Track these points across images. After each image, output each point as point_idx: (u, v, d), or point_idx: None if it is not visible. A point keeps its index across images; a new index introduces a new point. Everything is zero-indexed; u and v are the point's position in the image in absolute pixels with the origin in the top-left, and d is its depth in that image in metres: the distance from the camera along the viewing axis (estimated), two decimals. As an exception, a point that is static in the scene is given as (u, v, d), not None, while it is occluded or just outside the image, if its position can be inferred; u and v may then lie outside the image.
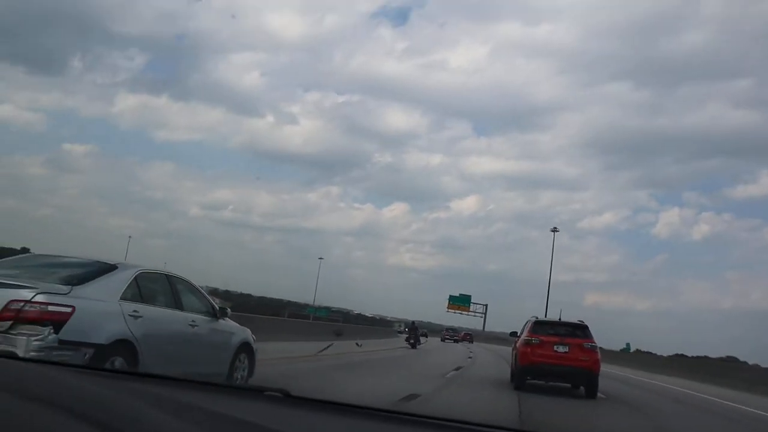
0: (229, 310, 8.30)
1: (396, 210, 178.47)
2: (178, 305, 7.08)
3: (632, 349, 60.10)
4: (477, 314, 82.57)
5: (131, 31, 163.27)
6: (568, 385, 14.27)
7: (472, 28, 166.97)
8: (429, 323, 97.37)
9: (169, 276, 7.21)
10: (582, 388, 13.61)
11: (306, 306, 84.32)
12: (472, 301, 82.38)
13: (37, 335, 5.06)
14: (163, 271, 7.25)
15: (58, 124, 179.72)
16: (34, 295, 5.18)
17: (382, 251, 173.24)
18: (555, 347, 13.47)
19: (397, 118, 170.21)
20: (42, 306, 5.16)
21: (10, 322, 5.05)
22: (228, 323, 8.20)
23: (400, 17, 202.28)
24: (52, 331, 5.12)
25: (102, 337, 5.55)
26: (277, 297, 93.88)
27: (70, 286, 5.53)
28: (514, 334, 15.28)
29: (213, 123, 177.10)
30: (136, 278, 6.39)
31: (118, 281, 6.11)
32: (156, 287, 6.82)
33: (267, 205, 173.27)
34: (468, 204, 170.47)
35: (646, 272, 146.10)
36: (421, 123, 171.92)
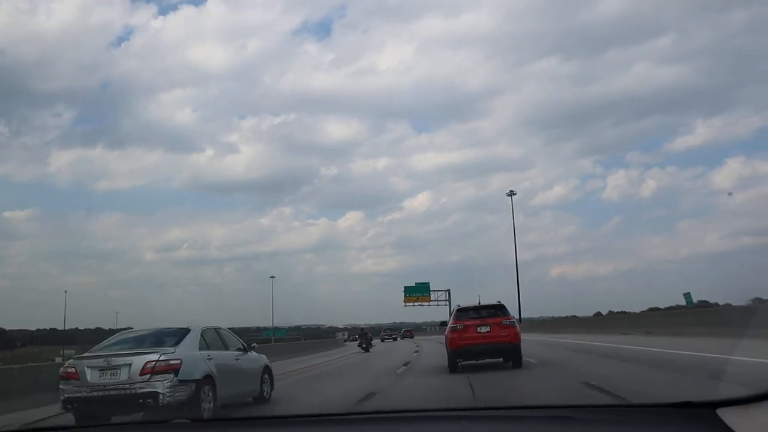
0: (255, 345, 11.53)
1: (350, 219, 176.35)
2: (226, 346, 10.28)
3: (606, 312, 59.99)
4: (440, 303, 71.88)
5: (54, 88, 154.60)
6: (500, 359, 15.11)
7: (395, 29, 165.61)
8: (394, 324, 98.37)
9: (216, 328, 10.43)
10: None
11: (266, 329, 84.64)
12: (432, 288, 72.80)
13: (167, 380, 8.19)
14: (213, 326, 10.44)
15: None
16: (159, 356, 8.30)
17: (345, 261, 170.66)
18: (478, 329, 14.62)
19: (337, 129, 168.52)
20: (165, 362, 8.29)
21: (149, 375, 8.15)
22: (253, 354, 11.41)
23: (322, 30, 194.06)
24: (174, 376, 8.25)
25: (198, 375, 8.71)
26: (246, 325, 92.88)
27: (174, 347, 8.66)
28: (444, 323, 16.46)
29: (153, 165, 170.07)
30: (201, 334, 9.56)
31: (194, 338, 9.27)
32: (212, 337, 9.98)
33: (221, 236, 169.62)
34: (420, 201, 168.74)
35: (604, 237, 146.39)
36: (360, 130, 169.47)
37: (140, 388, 8.07)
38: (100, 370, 8.23)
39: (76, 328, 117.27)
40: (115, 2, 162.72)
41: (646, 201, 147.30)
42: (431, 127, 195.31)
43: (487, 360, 15.10)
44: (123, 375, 8.15)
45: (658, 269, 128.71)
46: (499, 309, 15.29)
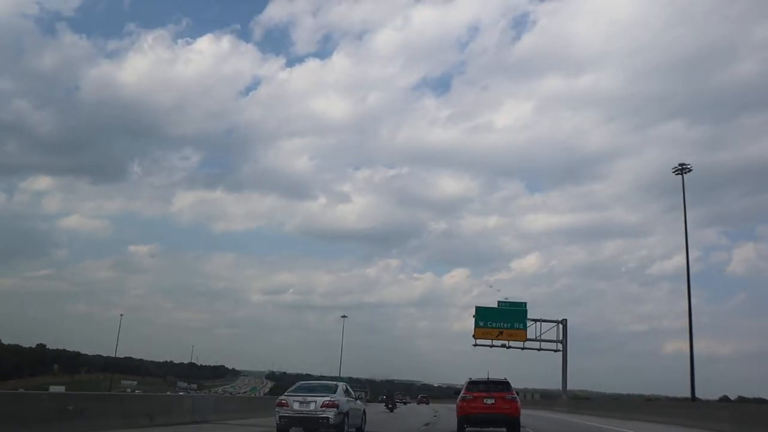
0: (362, 395, 18.65)
1: (456, 276, 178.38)
2: (350, 395, 17.36)
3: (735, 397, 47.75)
4: (547, 345, 41.88)
5: (184, 132, 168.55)
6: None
7: (514, 87, 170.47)
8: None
9: (346, 383, 17.61)
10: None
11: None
12: (530, 316, 41.73)
13: (333, 411, 15.25)
14: (344, 383, 17.61)
15: (123, 228, 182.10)
16: (330, 398, 15.41)
17: (447, 319, 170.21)
18: (484, 400, 16.30)
19: (449, 185, 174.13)
20: (332, 401, 15.37)
21: (325, 408, 15.23)
22: (359, 401, 18.46)
23: (441, 86, 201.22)
24: (336, 410, 15.33)
25: (344, 410, 15.77)
26: (331, 374, 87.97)
27: (334, 393, 15.77)
28: (457, 392, 18.40)
29: (268, 209, 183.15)
30: (342, 387, 16.70)
31: (341, 388, 16.40)
32: (346, 388, 17.07)
33: (327, 284, 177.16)
34: (529, 262, 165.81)
35: (726, 313, 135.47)
36: (472, 187, 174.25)
37: (320, 414, 15.16)
38: (299, 402, 15.36)
39: (171, 361, 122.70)
40: (247, 54, 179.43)
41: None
42: (545, 187, 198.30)
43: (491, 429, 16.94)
44: (311, 406, 15.27)
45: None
46: (503, 384, 17.04)
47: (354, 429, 17.53)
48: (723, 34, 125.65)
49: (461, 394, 17.16)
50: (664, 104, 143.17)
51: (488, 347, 41.26)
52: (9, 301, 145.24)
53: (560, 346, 41.04)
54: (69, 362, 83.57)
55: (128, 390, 71.06)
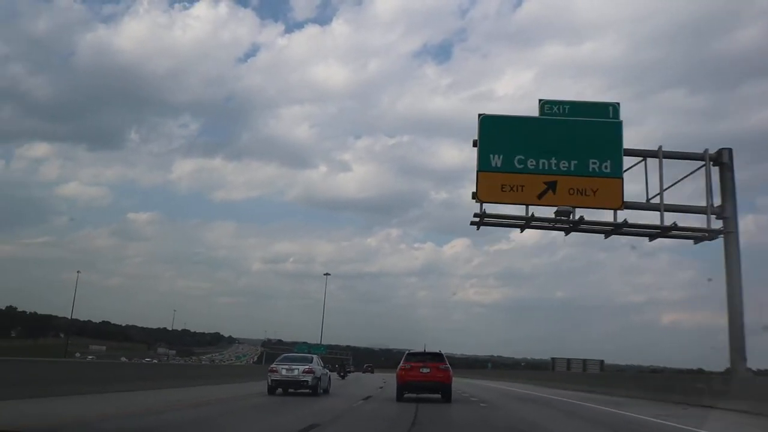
0: (328, 366, 24.10)
1: (457, 246, 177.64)
2: (320, 365, 22.78)
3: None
4: (679, 218, 20.23)
5: (182, 100, 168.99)
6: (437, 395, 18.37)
7: (515, 56, 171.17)
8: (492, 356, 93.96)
9: (318, 354, 23.09)
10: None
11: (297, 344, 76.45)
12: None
13: (310, 376, 20.67)
14: (318, 354, 23.06)
15: (121, 196, 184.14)
16: (307, 366, 20.83)
17: (447, 288, 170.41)
18: (421, 369, 18.00)
19: (450, 154, 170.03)
20: (309, 368, 20.81)
21: (305, 373, 20.60)
22: (326, 369, 23.91)
23: (442, 53, 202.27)
24: (313, 374, 20.72)
25: (318, 375, 21.27)
26: (328, 342, 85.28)
27: (311, 363, 21.19)
28: (397, 363, 19.94)
29: (268, 178, 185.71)
30: (317, 358, 22.13)
31: (317, 359, 21.97)
32: (319, 359, 22.48)
33: (328, 253, 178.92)
34: (530, 233, 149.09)
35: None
36: (474, 156, 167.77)
37: (302, 378, 20.52)
38: (286, 369, 20.67)
39: (164, 328, 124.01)
40: (245, 19, 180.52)
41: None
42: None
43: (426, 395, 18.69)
44: (295, 372, 20.61)
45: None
46: (437, 356, 19.21)
47: (323, 390, 23.02)
48: (724, 2, 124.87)
49: (401, 365, 19.23)
50: (665, 72, 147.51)
51: (515, 228, 21.04)
52: (6, 267, 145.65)
53: (720, 224, 19.81)
54: (38, 326, 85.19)
55: (77, 355, 71.36)
